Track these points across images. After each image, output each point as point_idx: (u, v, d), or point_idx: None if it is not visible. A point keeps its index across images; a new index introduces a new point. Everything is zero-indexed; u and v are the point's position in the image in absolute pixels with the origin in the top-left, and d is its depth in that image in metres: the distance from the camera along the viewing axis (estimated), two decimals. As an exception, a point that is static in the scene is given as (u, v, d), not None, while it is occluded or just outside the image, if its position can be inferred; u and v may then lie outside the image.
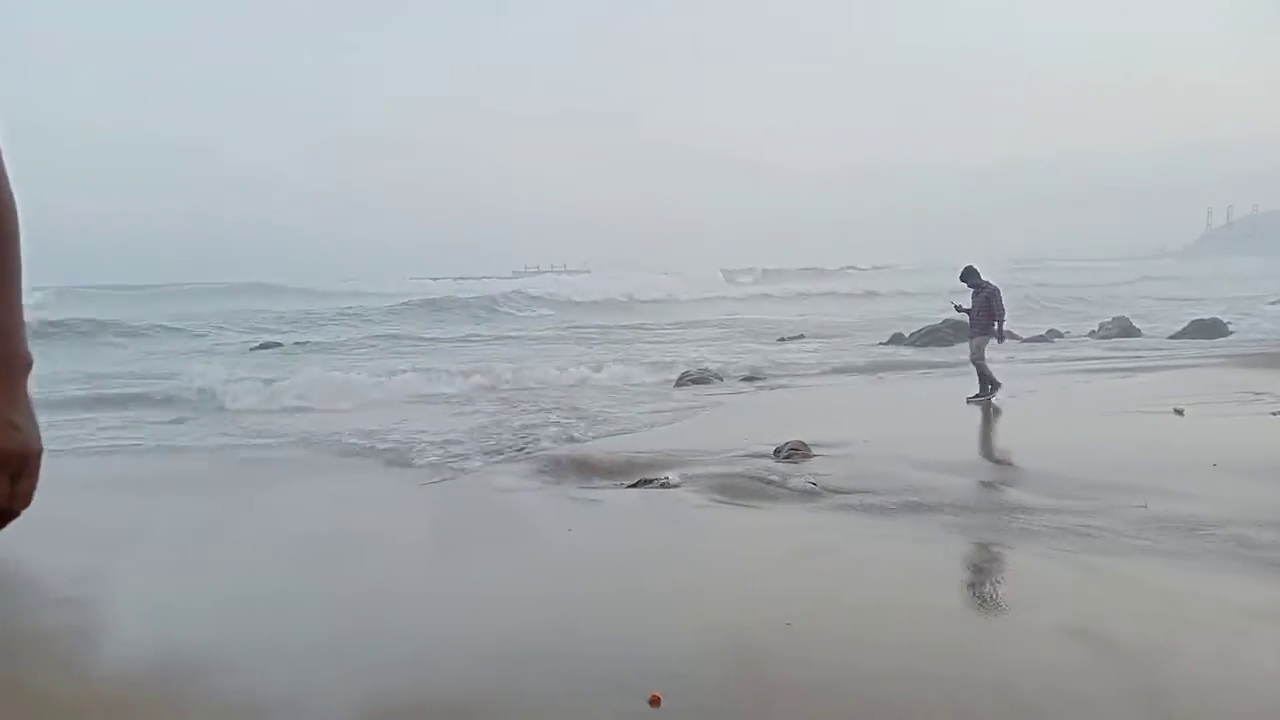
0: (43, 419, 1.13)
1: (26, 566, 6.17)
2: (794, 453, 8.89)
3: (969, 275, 12.90)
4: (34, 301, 40.56)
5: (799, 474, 8.10)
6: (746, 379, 16.56)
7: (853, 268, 79.01)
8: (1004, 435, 10.44)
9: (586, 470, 8.73)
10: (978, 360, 12.58)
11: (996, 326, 12.63)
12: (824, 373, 17.38)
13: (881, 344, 22.95)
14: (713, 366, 17.41)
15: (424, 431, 11.17)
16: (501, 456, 9.68)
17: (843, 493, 7.45)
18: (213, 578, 5.94)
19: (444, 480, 8.73)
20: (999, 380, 12.47)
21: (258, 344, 26.79)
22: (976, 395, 12.36)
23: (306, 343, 27.01)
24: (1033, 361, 18.04)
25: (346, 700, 3.96)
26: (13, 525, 1.15)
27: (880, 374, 16.77)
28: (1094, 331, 24.40)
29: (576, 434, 10.89)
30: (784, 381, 16.32)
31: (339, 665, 4.37)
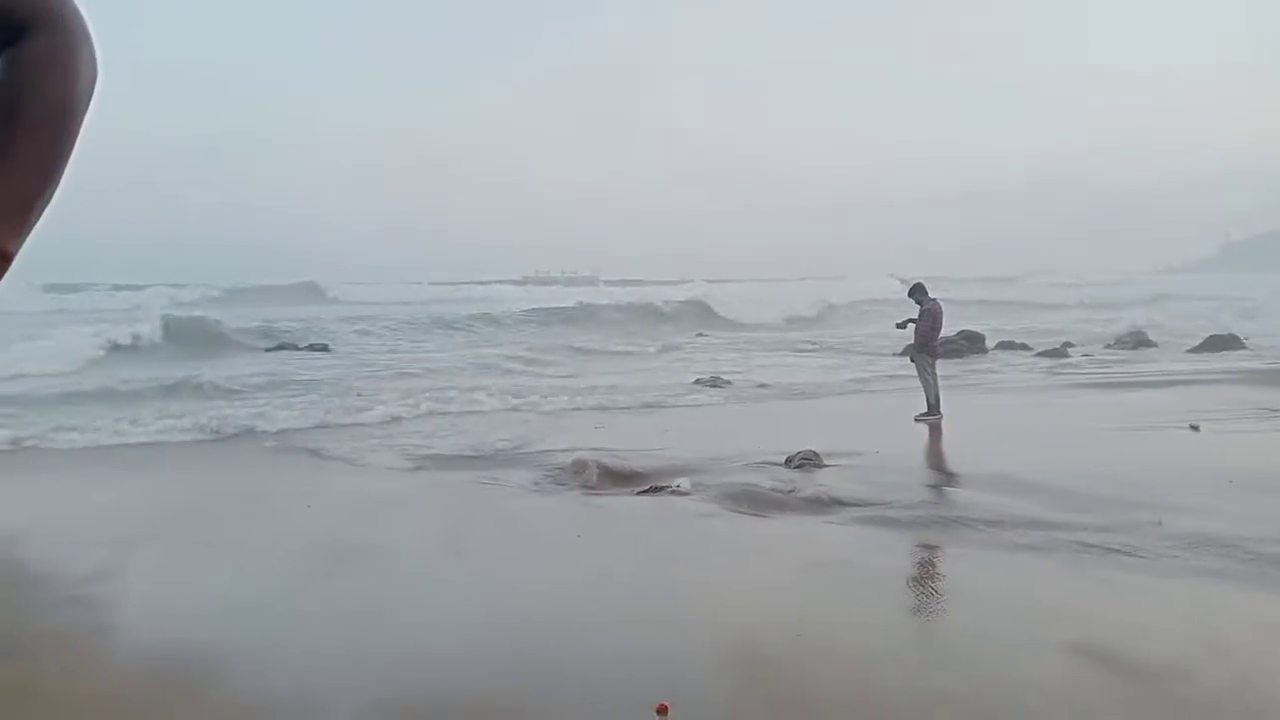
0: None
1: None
2: (805, 462, 8.85)
3: (916, 291, 12.93)
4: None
5: (810, 484, 8.06)
6: (760, 386, 16.52)
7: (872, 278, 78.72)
8: (1017, 448, 10.36)
9: (597, 474, 8.69)
10: (920, 376, 12.44)
11: (930, 344, 12.59)
12: (835, 381, 17.32)
13: (896, 355, 22.79)
14: (726, 376, 17.36)
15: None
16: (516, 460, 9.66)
17: (855, 504, 7.41)
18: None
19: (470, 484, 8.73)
20: (940, 409, 12.20)
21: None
22: (924, 414, 12.18)
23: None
24: (1046, 373, 17.93)
25: (360, 696, 3.95)
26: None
27: (892, 384, 16.68)
28: (1109, 345, 24.24)
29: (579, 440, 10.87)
30: (796, 390, 16.28)
31: (350, 664, 4.37)
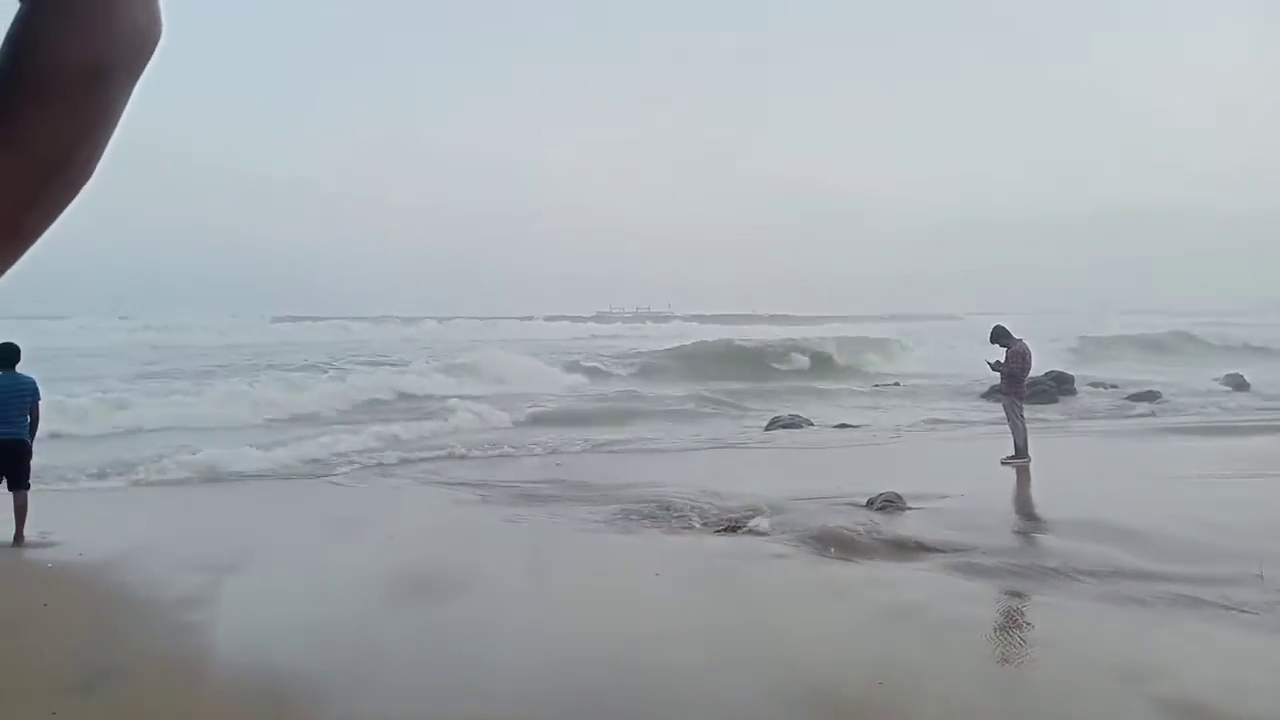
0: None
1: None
2: (888, 504, 8.74)
3: (999, 335, 12.71)
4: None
5: (893, 527, 7.96)
6: (839, 426, 16.37)
7: (951, 316, 77.40)
8: (1108, 494, 10.05)
9: (674, 514, 8.72)
10: (1009, 419, 12.22)
11: (1018, 385, 12.44)
12: (917, 423, 17.05)
13: (981, 396, 22.26)
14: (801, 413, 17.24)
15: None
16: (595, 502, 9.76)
17: (940, 549, 7.29)
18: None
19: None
20: (1028, 452, 11.96)
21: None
22: (1012, 456, 11.98)
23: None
24: (1138, 416, 17.39)
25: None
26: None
27: (974, 426, 16.37)
28: (1209, 390, 23.36)
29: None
30: (875, 431, 16.10)
31: (434, 687, 4.48)
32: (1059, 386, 21.65)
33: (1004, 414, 12.43)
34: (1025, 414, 12.37)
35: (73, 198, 0.70)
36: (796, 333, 40.04)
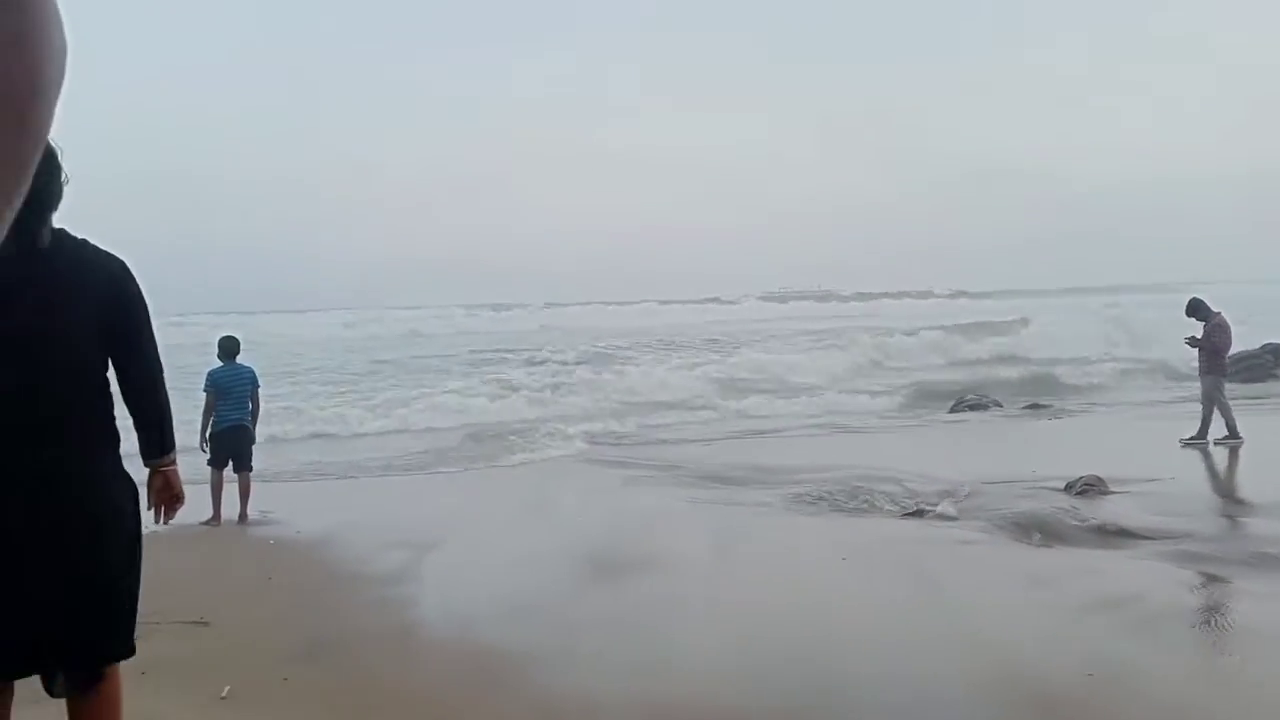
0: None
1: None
2: (1089, 488, 8.27)
3: (1196, 309, 11.68)
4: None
5: (1096, 512, 7.52)
6: (1028, 406, 15.61)
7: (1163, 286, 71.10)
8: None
9: (860, 498, 8.56)
10: (1214, 400, 11.20)
11: (1220, 361, 11.53)
12: (1120, 403, 16.03)
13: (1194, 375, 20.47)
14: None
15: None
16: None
17: (1149, 537, 6.83)
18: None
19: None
20: (1240, 432, 10.96)
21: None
22: (1191, 438, 11.04)
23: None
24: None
25: (639, 705, 4.14)
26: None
27: (1181, 405, 15.21)
28: None
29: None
30: (1070, 409, 15.24)
31: (625, 666, 4.60)
32: (1277, 360, 19.76)
33: (1200, 394, 11.54)
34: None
35: (13, 206, 0.77)
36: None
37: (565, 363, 23.73)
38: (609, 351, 26.43)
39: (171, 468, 2.99)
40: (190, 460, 8.73)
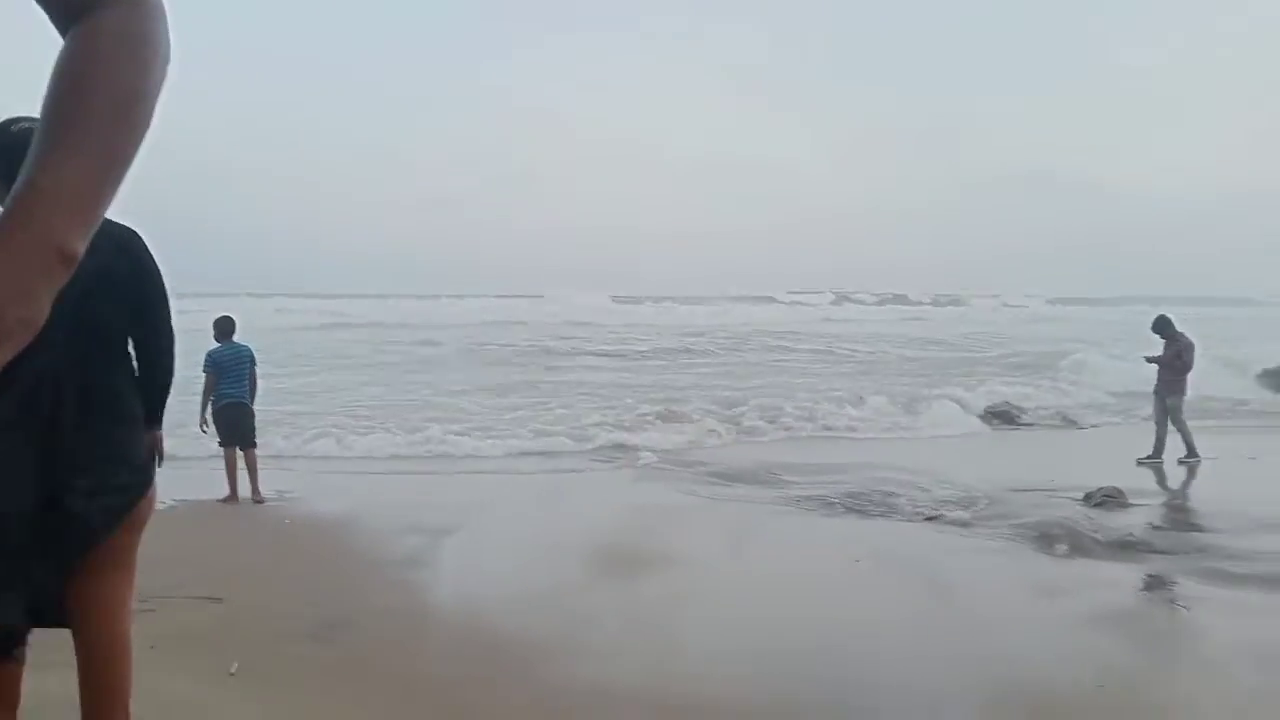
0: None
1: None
2: (1107, 499, 8.18)
3: (1164, 327, 11.47)
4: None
5: (1114, 524, 7.44)
6: (1057, 416, 15.48)
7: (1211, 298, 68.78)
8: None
9: (876, 501, 8.51)
10: (1171, 420, 11.05)
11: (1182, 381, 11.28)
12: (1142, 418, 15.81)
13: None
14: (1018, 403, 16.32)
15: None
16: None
17: (1168, 551, 6.75)
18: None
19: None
20: (1197, 450, 10.78)
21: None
22: (1149, 457, 10.85)
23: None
24: None
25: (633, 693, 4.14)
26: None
27: (1210, 419, 14.99)
28: None
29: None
30: (1096, 421, 15.13)
31: (641, 661, 4.61)
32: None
33: (1154, 412, 11.37)
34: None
35: (115, 194, 0.84)
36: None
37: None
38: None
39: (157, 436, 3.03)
40: (199, 441, 8.94)
